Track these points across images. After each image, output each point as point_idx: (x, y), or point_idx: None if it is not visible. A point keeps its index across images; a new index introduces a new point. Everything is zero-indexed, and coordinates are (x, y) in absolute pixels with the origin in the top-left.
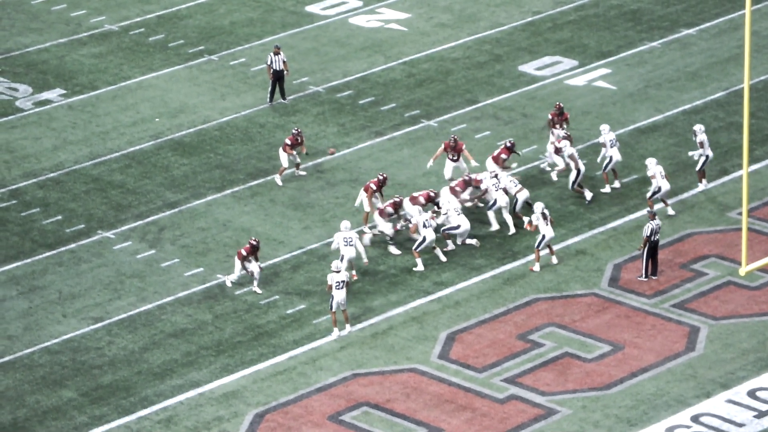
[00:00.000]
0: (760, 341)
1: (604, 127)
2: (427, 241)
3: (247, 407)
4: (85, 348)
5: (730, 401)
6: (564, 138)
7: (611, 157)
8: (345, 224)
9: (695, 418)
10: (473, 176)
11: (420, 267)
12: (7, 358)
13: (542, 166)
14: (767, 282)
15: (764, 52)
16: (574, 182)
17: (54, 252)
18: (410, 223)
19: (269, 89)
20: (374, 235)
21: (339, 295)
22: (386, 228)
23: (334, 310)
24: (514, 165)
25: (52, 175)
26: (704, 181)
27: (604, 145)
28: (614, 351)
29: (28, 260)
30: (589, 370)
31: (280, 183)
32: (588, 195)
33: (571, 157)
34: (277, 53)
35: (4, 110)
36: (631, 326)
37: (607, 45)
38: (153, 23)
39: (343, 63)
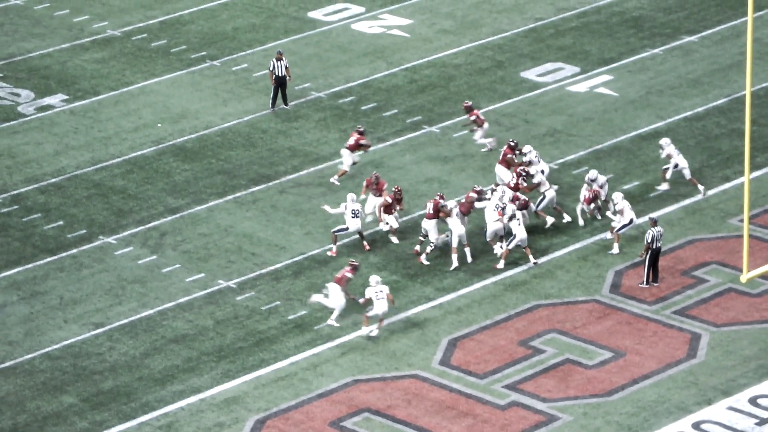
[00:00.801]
0: (761, 348)
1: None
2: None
3: (248, 413)
4: (86, 353)
5: (731, 408)
6: (526, 165)
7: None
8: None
9: (696, 425)
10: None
11: (455, 263)
12: (8, 364)
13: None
14: None
15: (766, 59)
16: (537, 206)
17: (55, 257)
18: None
19: (271, 95)
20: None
21: (380, 306)
22: (392, 221)
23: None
24: (529, 152)
25: (53, 180)
26: (701, 186)
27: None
28: (615, 358)
29: (30, 265)
30: (591, 377)
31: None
32: (549, 221)
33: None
34: (279, 59)
35: (6, 115)
36: (633, 333)
37: (609, 52)
38: (155, 29)
39: (345, 69)
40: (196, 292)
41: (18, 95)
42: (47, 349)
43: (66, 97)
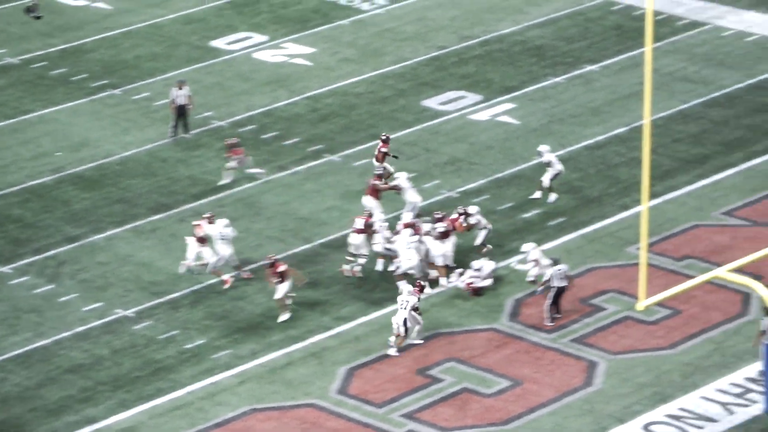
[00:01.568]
0: (656, 375)
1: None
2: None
3: None
4: None
5: None
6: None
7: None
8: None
9: None
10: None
11: None
12: None
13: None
14: (664, 316)
15: (664, 89)
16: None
17: None
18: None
19: (171, 123)
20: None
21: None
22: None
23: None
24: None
25: None
26: (553, 194)
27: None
28: (513, 386)
29: None
30: (488, 406)
31: None
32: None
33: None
34: (180, 87)
35: None
36: (530, 361)
37: (511, 80)
38: (55, 57)
39: (246, 97)
40: (93, 321)
41: None
42: None
43: None
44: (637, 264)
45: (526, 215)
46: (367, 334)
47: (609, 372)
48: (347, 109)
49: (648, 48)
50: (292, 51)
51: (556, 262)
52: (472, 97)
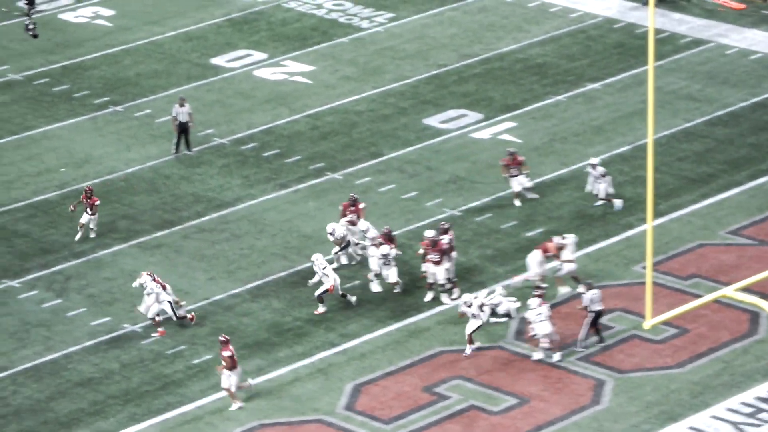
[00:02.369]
0: (663, 394)
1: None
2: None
3: None
4: None
5: None
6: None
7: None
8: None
9: None
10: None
11: None
12: None
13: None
14: (671, 335)
15: (667, 108)
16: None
17: None
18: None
19: (174, 140)
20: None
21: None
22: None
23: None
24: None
25: None
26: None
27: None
28: (520, 404)
29: None
30: (495, 423)
31: None
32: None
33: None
34: (182, 105)
35: None
36: (537, 379)
37: (513, 98)
38: (57, 73)
39: (247, 115)
40: (101, 336)
41: None
42: None
43: None
44: (641, 283)
45: (530, 234)
46: (372, 351)
47: (617, 390)
48: (348, 127)
49: (651, 66)
50: (292, 69)
51: (590, 287)
52: (473, 116)
